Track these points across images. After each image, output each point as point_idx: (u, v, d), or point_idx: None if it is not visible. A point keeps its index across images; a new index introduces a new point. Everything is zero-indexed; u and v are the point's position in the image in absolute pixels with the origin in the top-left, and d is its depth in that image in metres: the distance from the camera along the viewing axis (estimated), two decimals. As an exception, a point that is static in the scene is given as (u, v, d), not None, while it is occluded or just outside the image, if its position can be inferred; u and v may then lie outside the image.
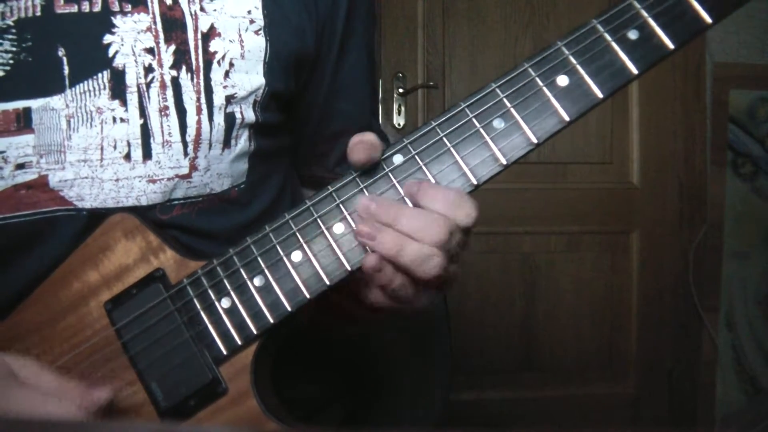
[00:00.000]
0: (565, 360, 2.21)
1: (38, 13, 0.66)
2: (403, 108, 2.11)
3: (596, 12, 0.61)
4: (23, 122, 0.64)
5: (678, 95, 2.21)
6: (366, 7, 0.83)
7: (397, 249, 0.57)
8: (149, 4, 0.69)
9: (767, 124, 2.22)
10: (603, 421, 2.20)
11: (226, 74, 0.70)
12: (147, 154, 0.68)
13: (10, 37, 0.65)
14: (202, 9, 0.70)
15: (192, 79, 0.69)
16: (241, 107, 0.72)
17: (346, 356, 0.95)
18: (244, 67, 0.71)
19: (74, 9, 0.67)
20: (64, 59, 0.66)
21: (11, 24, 0.65)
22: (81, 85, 0.66)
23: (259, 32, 0.72)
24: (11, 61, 0.64)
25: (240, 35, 0.71)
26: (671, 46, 0.59)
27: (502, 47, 2.15)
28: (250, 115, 0.72)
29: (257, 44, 0.72)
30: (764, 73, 2.21)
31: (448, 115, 0.62)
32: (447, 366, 1.05)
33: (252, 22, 0.72)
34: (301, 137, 0.86)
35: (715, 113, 2.21)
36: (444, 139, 0.61)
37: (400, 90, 2.10)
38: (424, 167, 0.61)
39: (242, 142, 0.73)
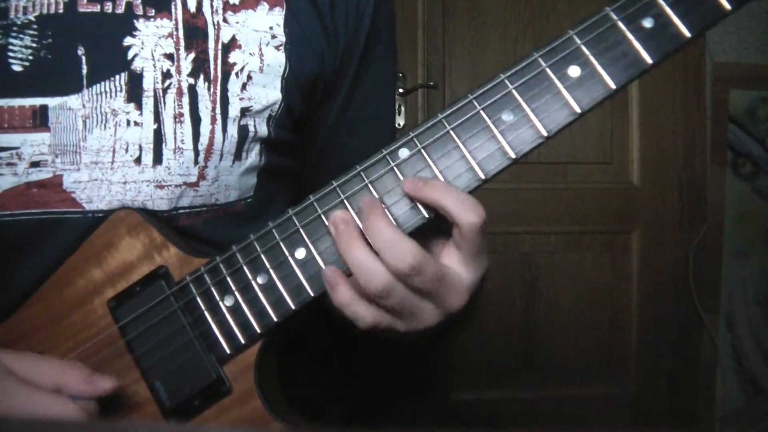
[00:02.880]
0: (565, 360, 2.20)
1: (60, 10, 0.65)
2: (403, 108, 2.11)
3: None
4: (39, 120, 0.64)
5: (678, 95, 2.20)
6: (381, 50, 0.81)
7: (363, 268, 0.57)
8: (173, 10, 0.68)
9: (767, 124, 2.22)
10: (603, 421, 2.19)
11: (244, 86, 0.70)
12: (158, 159, 0.67)
13: (31, 32, 0.64)
14: (224, 20, 0.70)
15: (209, 88, 0.68)
16: (255, 121, 0.71)
17: (348, 357, 0.95)
18: (262, 81, 0.71)
19: (97, 9, 0.66)
20: (83, 58, 0.65)
21: (33, 19, 0.64)
22: (98, 85, 0.65)
23: (280, 48, 0.72)
24: (31, 57, 0.64)
25: (260, 49, 0.71)
26: (688, 34, 0.57)
27: (502, 47, 2.15)
28: (263, 130, 0.72)
29: (277, 60, 0.72)
30: (764, 73, 2.21)
31: (456, 107, 0.60)
32: (447, 366, 1.04)
33: (273, 37, 0.72)
34: (304, 169, 0.85)
35: (715, 113, 2.21)
36: (451, 132, 0.59)
37: (400, 90, 2.10)
38: (430, 161, 0.59)
39: (253, 156, 0.72)
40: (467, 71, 2.15)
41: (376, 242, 0.57)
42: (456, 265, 0.59)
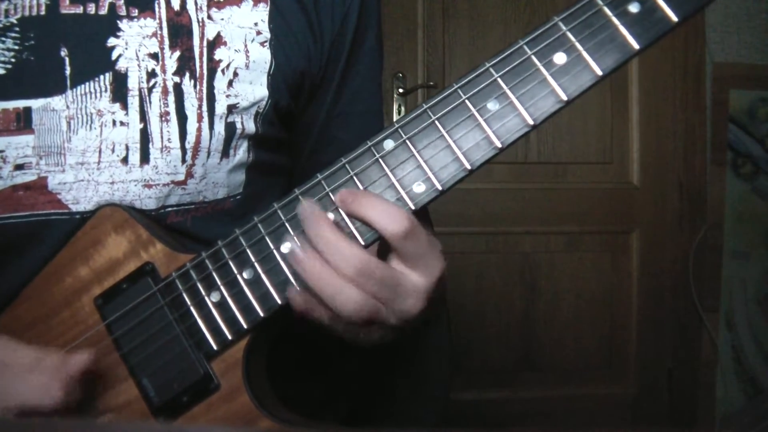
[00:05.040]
0: (565, 360, 2.20)
1: (42, 12, 0.65)
2: (403, 108, 2.11)
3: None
4: (23, 122, 0.64)
5: (678, 95, 2.20)
6: (370, 45, 0.81)
7: (315, 277, 0.56)
8: (156, 9, 0.68)
9: (767, 124, 2.21)
10: (603, 421, 2.19)
11: (230, 83, 0.70)
12: (145, 159, 0.67)
13: (12, 35, 0.64)
14: (209, 17, 0.70)
15: (195, 86, 0.68)
16: (242, 117, 0.71)
17: (346, 355, 0.94)
18: (248, 77, 0.71)
19: (79, 10, 0.66)
20: (67, 60, 0.65)
21: (14, 22, 0.64)
22: (82, 86, 0.65)
23: (265, 44, 0.72)
24: (13, 60, 0.64)
25: (246, 45, 0.71)
26: (675, 19, 0.56)
27: (502, 47, 2.14)
28: (250, 126, 0.72)
29: (262, 56, 0.72)
30: (764, 73, 2.20)
31: (440, 97, 0.59)
32: (446, 365, 1.04)
33: (258, 33, 0.72)
34: (297, 166, 0.84)
35: (715, 113, 2.21)
36: (436, 122, 0.59)
37: (400, 90, 2.10)
38: (415, 152, 0.59)
39: (241, 152, 0.72)
40: (467, 71, 2.14)
41: (322, 248, 0.56)
42: (402, 269, 0.58)
